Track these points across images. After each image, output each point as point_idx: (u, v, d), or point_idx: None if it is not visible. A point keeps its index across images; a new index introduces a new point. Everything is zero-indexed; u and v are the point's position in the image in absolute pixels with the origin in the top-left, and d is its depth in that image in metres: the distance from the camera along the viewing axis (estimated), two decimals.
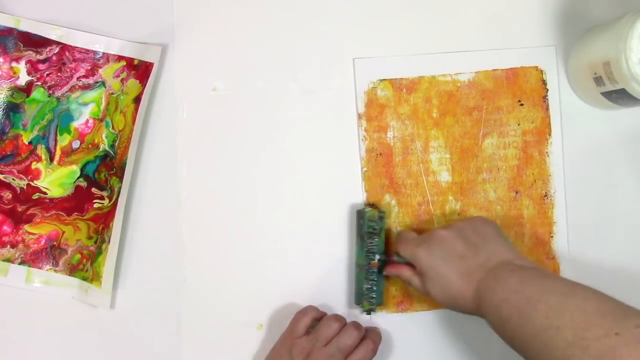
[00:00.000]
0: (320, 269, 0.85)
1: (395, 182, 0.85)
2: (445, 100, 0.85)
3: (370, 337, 0.79)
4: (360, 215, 0.82)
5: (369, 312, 0.83)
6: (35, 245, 0.83)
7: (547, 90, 0.85)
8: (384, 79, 0.85)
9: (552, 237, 0.85)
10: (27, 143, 0.83)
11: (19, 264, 0.83)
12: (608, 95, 0.79)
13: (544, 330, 0.62)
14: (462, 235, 0.75)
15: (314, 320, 0.80)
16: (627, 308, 0.61)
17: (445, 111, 0.85)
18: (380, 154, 0.85)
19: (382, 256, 0.81)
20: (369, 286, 0.81)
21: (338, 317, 0.79)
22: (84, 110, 0.83)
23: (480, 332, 0.85)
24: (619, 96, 0.77)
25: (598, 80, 0.78)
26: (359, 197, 0.85)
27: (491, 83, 0.85)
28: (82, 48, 0.83)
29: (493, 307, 0.69)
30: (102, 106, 0.83)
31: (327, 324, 0.78)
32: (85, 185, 0.83)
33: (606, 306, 0.62)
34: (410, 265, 0.78)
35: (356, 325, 0.79)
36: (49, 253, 0.83)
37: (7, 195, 0.83)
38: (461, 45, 0.86)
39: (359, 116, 0.85)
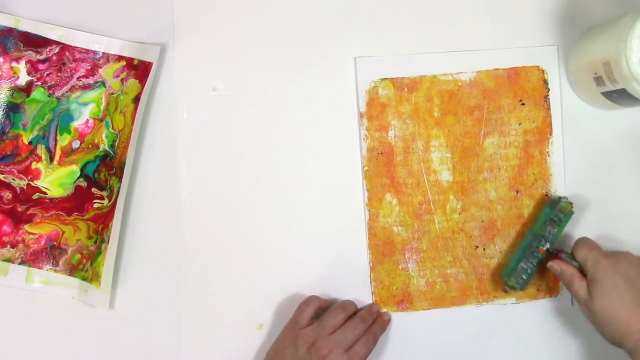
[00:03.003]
0: (320, 269, 0.85)
1: (396, 181, 0.85)
2: (447, 100, 0.85)
3: (372, 329, 0.81)
4: (552, 202, 0.83)
5: (511, 289, 0.82)
6: (35, 245, 0.83)
7: (549, 89, 0.85)
8: (386, 78, 0.85)
9: None
10: (27, 143, 0.83)
11: (19, 264, 0.82)
12: (608, 95, 0.79)
13: None
14: None
15: (317, 310, 0.81)
16: None
17: (446, 110, 0.85)
18: (382, 153, 0.85)
19: (552, 247, 0.82)
20: (525, 267, 0.81)
21: (344, 306, 0.81)
22: (84, 110, 0.83)
23: (480, 332, 0.85)
24: (619, 96, 0.77)
25: (598, 80, 0.78)
26: (360, 196, 0.85)
27: (492, 82, 0.85)
28: (82, 48, 0.83)
29: None
30: (102, 106, 0.83)
31: (333, 314, 0.80)
32: (85, 185, 0.83)
33: None
34: (579, 270, 0.78)
35: (363, 316, 0.80)
36: (49, 253, 0.82)
37: (7, 195, 0.83)
38: (462, 45, 0.86)
39: (360, 115, 0.85)
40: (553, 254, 0.81)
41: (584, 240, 0.81)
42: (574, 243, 0.81)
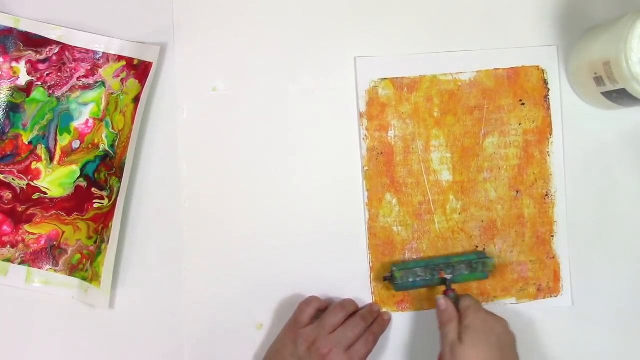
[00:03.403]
0: (320, 269, 0.85)
1: (396, 181, 0.85)
2: (447, 100, 0.85)
3: (372, 328, 0.81)
4: (480, 254, 0.84)
5: (391, 281, 0.83)
6: (35, 245, 0.83)
7: (549, 89, 0.85)
8: (385, 78, 0.85)
9: (552, 236, 0.85)
10: (27, 143, 0.83)
11: (19, 264, 0.82)
12: (608, 95, 0.79)
13: None
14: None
15: (317, 310, 0.81)
16: None
17: (446, 110, 0.85)
18: (381, 153, 0.85)
19: (449, 281, 0.82)
20: (419, 274, 0.82)
21: (344, 306, 0.81)
22: (84, 110, 0.83)
23: None
24: (619, 96, 0.77)
25: (598, 80, 0.78)
26: (360, 196, 0.85)
27: (492, 82, 0.85)
28: (82, 48, 0.83)
29: None
30: (102, 106, 0.83)
31: (333, 313, 0.80)
32: (85, 185, 0.83)
33: None
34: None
35: (363, 316, 0.80)
36: (49, 253, 0.82)
37: (7, 195, 0.82)
38: (462, 45, 0.86)
39: (360, 115, 0.85)
40: (446, 286, 0.82)
41: (470, 295, 0.82)
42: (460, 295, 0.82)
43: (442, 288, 0.83)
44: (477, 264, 0.83)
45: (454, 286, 0.82)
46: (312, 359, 0.76)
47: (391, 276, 0.83)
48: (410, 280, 0.82)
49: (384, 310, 0.84)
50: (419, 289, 0.84)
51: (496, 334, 0.76)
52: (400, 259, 0.85)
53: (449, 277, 0.82)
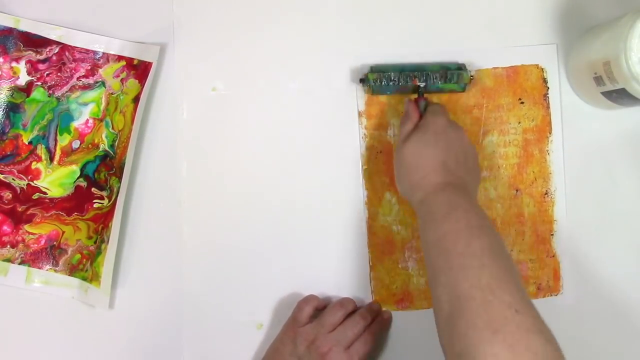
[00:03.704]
0: (320, 268, 0.85)
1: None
2: (446, 98, 0.85)
3: (372, 327, 0.81)
4: (459, 66, 0.84)
5: (364, 82, 0.83)
6: (35, 245, 0.83)
7: (548, 88, 0.86)
8: None
9: (552, 235, 0.85)
10: (27, 143, 0.83)
11: (19, 264, 0.82)
12: (608, 94, 0.79)
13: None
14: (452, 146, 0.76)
15: (315, 309, 0.81)
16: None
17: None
18: (381, 151, 0.85)
19: (422, 88, 0.82)
20: (391, 77, 0.82)
21: (343, 304, 0.81)
22: (84, 110, 0.83)
23: None
24: (619, 96, 0.77)
25: (598, 80, 0.78)
26: (359, 195, 0.85)
27: (492, 81, 0.85)
28: (82, 48, 0.83)
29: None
30: (102, 106, 0.83)
31: (332, 312, 0.80)
32: (85, 185, 0.83)
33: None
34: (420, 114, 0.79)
35: (363, 315, 0.80)
36: (49, 253, 0.82)
37: (7, 195, 0.82)
38: (463, 44, 0.86)
39: (359, 114, 0.85)
40: (418, 93, 0.82)
41: (440, 104, 0.82)
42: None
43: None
44: (453, 74, 0.82)
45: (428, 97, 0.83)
46: (311, 358, 0.76)
47: (366, 78, 0.83)
48: (383, 83, 0.82)
49: (384, 309, 0.84)
50: (392, 95, 0.84)
51: (446, 135, 0.75)
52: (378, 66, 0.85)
53: (421, 85, 0.82)
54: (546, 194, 0.85)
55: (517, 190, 0.85)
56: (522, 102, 0.85)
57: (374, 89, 0.83)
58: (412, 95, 0.83)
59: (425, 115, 0.78)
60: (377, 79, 0.82)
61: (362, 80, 0.83)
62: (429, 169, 0.74)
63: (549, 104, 0.86)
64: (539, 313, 0.61)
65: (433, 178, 0.73)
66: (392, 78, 0.82)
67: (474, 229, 0.67)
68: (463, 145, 0.77)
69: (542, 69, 0.86)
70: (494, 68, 0.86)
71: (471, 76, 0.83)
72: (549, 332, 0.60)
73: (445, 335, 0.63)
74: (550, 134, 0.86)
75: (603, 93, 0.79)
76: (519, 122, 0.85)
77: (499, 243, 0.67)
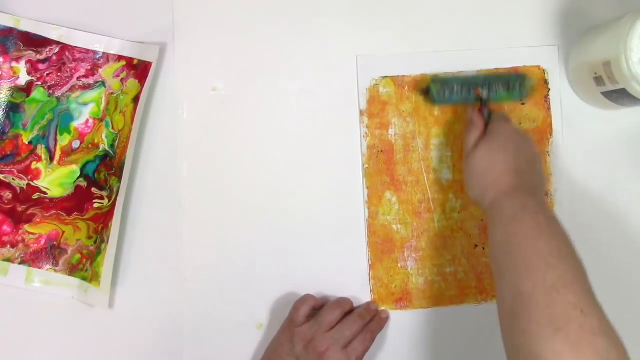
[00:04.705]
0: (320, 267, 0.85)
1: (396, 179, 0.85)
2: None
3: (370, 326, 0.81)
4: (521, 76, 0.84)
5: (426, 93, 0.84)
6: (35, 245, 0.83)
7: (549, 90, 0.86)
8: (387, 76, 0.85)
9: None
10: (27, 143, 0.83)
11: (19, 263, 0.82)
12: (608, 95, 0.79)
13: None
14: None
15: (312, 309, 0.81)
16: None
17: (446, 109, 0.85)
18: (382, 151, 0.85)
19: (485, 97, 0.82)
20: (454, 88, 0.82)
21: (341, 304, 0.81)
22: (84, 110, 0.83)
23: (478, 331, 0.85)
24: (620, 96, 0.77)
25: (598, 80, 0.78)
26: (360, 194, 0.85)
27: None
28: (82, 48, 0.83)
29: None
30: (102, 106, 0.83)
31: (330, 311, 0.80)
32: (85, 185, 0.83)
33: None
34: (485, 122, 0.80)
35: (361, 314, 0.81)
36: (49, 253, 0.82)
37: (7, 195, 0.82)
38: (464, 44, 0.86)
39: (361, 113, 0.85)
40: (481, 103, 0.82)
41: (503, 112, 0.83)
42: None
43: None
44: (515, 83, 0.82)
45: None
46: (309, 358, 0.76)
47: (428, 89, 0.83)
48: (447, 94, 0.82)
49: (382, 308, 0.85)
50: (456, 105, 0.85)
51: (515, 143, 0.76)
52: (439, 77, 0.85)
53: (484, 95, 0.82)
54: (546, 195, 0.85)
55: None
56: (523, 103, 0.85)
57: (437, 100, 0.83)
58: (475, 104, 0.83)
59: (491, 123, 0.79)
60: (440, 90, 0.82)
61: (425, 92, 0.84)
62: (500, 173, 0.74)
63: (549, 105, 0.86)
64: (606, 315, 0.61)
65: (504, 181, 0.74)
66: (455, 88, 0.82)
67: (543, 229, 0.67)
68: (531, 151, 0.77)
69: (543, 70, 0.86)
70: (496, 69, 0.85)
71: (532, 86, 0.84)
72: (616, 336, 0.60)
73: (507, 332, 0.64)
74: (550, 135, 0.86)
75: (603, 93, 0.79)
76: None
77: (568, 244, 0.68)
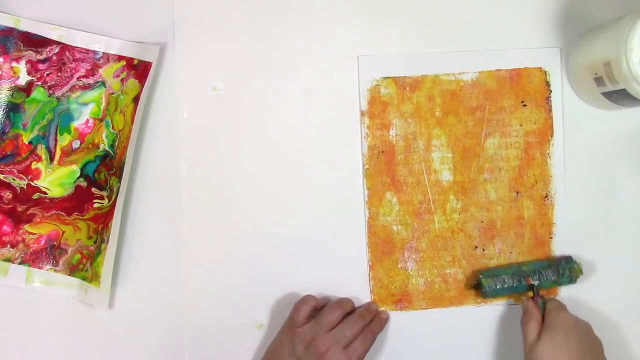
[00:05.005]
0: (320, 268, 0.85)
1: (397, 180, 0.85)
2: (448, 100, 0.85)
3: (370, 327, 0.81)
4: (569, 260, 0.85)
5: (478, 289, 0.84)
6: (35, 245, 0.83)
7: (550, 91, 0.85)
8: (388, 77, 0.85)
9: (551, 237, 0.85)
10: (27, 143, 0.83)
11: (19, 263, 0.82)
12: (609, 95, 0.79)
13: None
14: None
15: (313, 309, 0.81)
16: None
17: (448, 110, 0.85)
18: (382, 151, 0.85)
19: (537, 287, 0.83)
20: (505, 281, 0.83)
21: (341, 304, 0.81)
22: (84, 110, 0.83)
23: (478, 332, 0.85)
24: (620, 96, 0.77)
25: (599, 81, 0.78)
26: (360, 194, 0.85)
27: (494, 83, 0.85)
28: (82, 48, 0.83)
29: None
30: (102, 106, 0.83)
31: (330, 311, 0.80)
32: (85, 185, 0.83)
33: None
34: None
35: (361, 314, 0.81)
36: (49, 253, 0.82)
37: (7, 195, 0.82)
38: (465, 45, 0.85)
39: (362, 113, 0.85)
40: (533, 292, 0.83)
41: (556, 299, 0.84)
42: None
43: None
44: (565, 269, 0.83)
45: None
46: (310, 358, 0.76)
47: (478, 284, 0.83)
48: (498, 287, 0.83)
49: (382, 309, 0.84)
50: (508, 297, 0.85)
51: (577, 334, 0.77)
52: (486, 266, 0.86)
53: (535, 284, 0.83)
54: (546, 197, 0.85)
55: (517, 193, 0.85)
56: (525, 105, 0.85)
57: (489, 294, 0.83)
58: (528, 293, 0.84)
59: (549, 313, 0.79)
60: (491, 284, 0.83)
61: (475, 286, 0.84)
62: None
63: (551, 107, 0.85)
64: None
65: None
66: (506, 280, 0.83)
67: None
68: (592, 340, 0.78)
69: (545, 72, 0.85)
70: (497, 70, 0.85)
71: (580, 270, 0.84)
72: None
73: None
74: (551, 137, 0.85)
75: (603, 94, 0.79)
76: (521, 125, 0.85)
77: None
